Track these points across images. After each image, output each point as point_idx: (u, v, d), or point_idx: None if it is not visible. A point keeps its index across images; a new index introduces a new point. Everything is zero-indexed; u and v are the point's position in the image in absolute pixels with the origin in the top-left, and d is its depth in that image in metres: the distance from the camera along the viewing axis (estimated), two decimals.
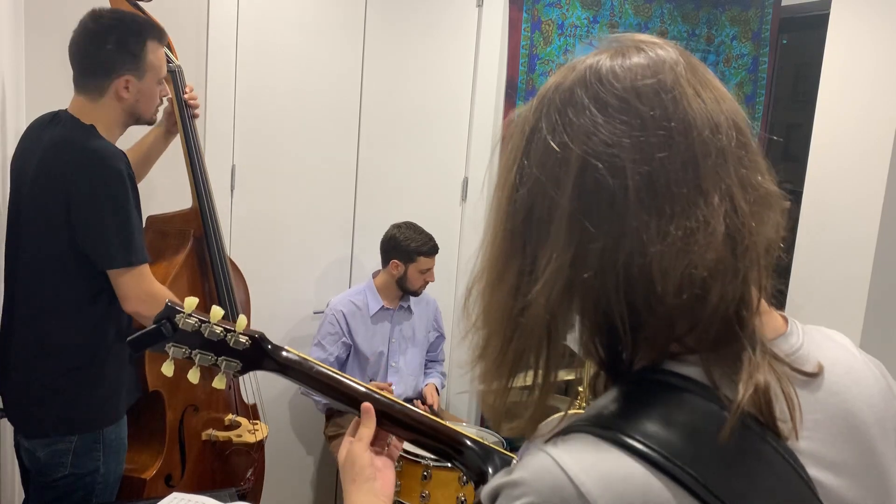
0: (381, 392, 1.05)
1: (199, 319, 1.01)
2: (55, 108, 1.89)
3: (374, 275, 2.99)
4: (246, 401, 2.41)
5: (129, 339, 1.03)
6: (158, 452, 2.08)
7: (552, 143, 0.61)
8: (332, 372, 1.05)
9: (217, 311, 1.02)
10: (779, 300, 0.68)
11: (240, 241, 2.87)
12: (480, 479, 1.00)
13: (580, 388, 2.04)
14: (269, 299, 2.73)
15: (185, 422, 2.13)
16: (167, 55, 1.99)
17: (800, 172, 3.00)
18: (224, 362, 1.02)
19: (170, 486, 2.08)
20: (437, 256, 2.90)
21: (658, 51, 0.64)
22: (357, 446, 0.97)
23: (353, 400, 1.03)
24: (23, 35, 2.41)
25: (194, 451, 2.17)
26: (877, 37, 2.68)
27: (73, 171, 1.73)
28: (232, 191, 2.86)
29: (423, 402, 2.91)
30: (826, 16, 2.86)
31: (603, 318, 0.61)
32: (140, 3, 2.17)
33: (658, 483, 0.55)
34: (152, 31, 1.88)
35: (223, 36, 2.74)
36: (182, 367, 1.04)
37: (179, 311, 1.01)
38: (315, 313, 3.04)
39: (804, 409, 0.62)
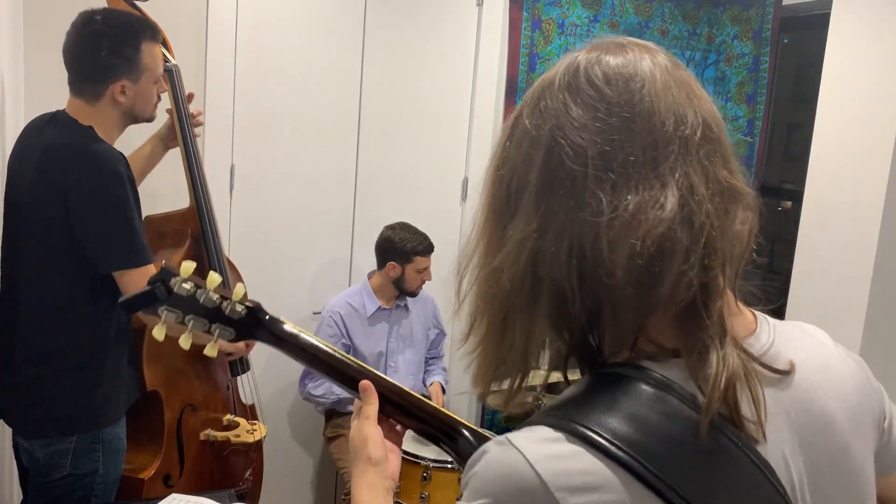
0: (375, 373, 1.03)
1: (195, 285, 0.99)
2: (54, 108, 1.89)
3: (370, 276, 2.98)
4: (244, 401, 2.40)
5: (120, 300, 1.00)
6: (157, 452, 2.07)
7: (528, 126, 0.65)
8: (330, 349, 1.03)
9: (214, 278, 1.00)
10: (779, 300, 0.67)
11: (239, 242, 2.87)
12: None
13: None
14: (268, 299, 2.68)
15: (184, 422, 2.12)
16: (164, 54, 1.98)
17: (800, 172, 2.99)
18: (218, 330, 1.00)
19: (168, 486, 2.07)
20: (437, 256, 2.90)
21: (637, 49, 0.67)
22: (365, 424, 0.95)
23: (348, 378, 1.01)
24: (22, 35, 2.41)
25: (192, 451, 2.16)
26: (878, 36, 2.68)
27: (71, 173, 1.72)
28: (231, 191, 2.86)
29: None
30: (827, 15, 2.85)
31: (558, 294, 0.63)
32: (137, 3, 2.17)
33: (617, 478, 0.56)
34: (146, 32, 1.86)
35: (222, 36, 2.74)
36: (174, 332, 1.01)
37: (175, 275, 0.99)
38: (314, 313, 3.03)
39: (774, 408, 0.63)
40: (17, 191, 1.82)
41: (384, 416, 1.00)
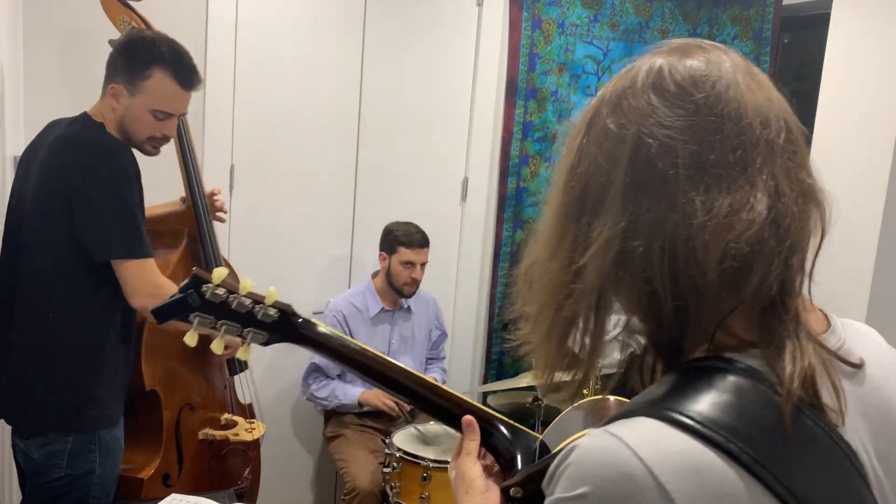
0: (411, 371, 1.02)
1: (228, 290, 0.99)
2: (55, 108, 1.90)
3: (374, 276, 2.98)
4: (242, 400, 2.40)
5: (153, 308, 1.00)
6: (155, 452, 2.07)
7: (610, 125, 0.66)
8: (362, 348, 1.03)
9: (247, 283, 1.00)
10: None
11: (239, 241, 2.87)
12: (510, 464, 0.96)
13: (585, 391, 2.02)
14: None
15: (182, 421, 2.12)
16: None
17: None
18: (250, 334, 1.00)
19: (167, 485, 2.07)
20: (437, 256, 2.89)
21: (716, 51, 0.68)
22: (465, 460, 0.96)
23: (382, 377, 1.01)
24: (21, 35, 2.41)
25: (191, 450, 2.16)
26: (878, 36, 2.67)
27: (74, 161, 1.73)
28: (231, 191, 2.85)
29: None
30: (827, 15, 2.85)
31: (648, 293, 0.64)
32: (131, 3, 2.17)
33: (733, 473, 0.57)
34: (170, 64, 1.81)
35: (222, 35, 2.74)
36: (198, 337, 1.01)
37: (207, 282, 0.99)
38: (314, 314, 3.03)
39: (851, 401, 0.65)
40: (24, 186, 1.82)
41: (414, 406, 1.02)
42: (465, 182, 3.29)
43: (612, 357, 2.74)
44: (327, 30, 2.95)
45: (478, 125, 3.25)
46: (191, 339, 1.00)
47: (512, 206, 3.39)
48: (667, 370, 0.69)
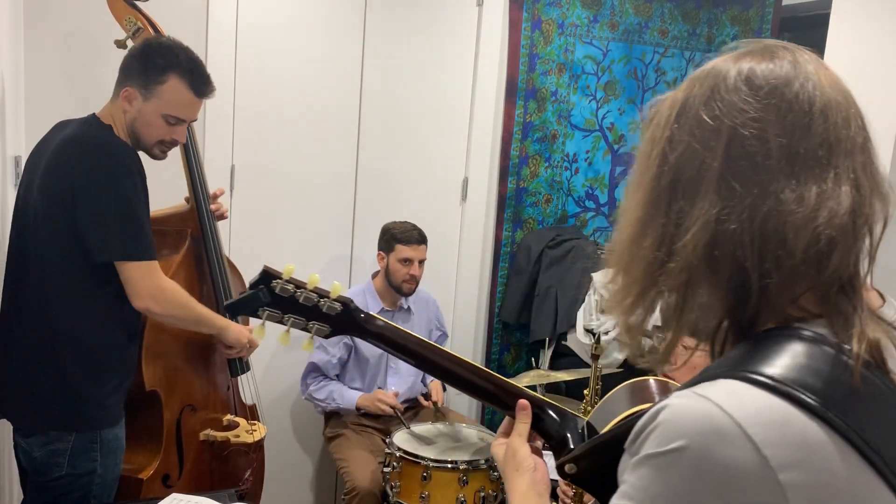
0: (468, 361, 1.08)
1: (296, 285, 1.05)
2: (55, 108, 1.90)
3: (374, 276, 2.98)
4: (244, 401, 2.40)
5: (226, 303, 1.11)
6: (156, 452, 2.07)
7: (705, 116, 0.72)
8: (418, 339, 1.08)
9: (314, 278, 1.07)
10: None
11: (239, 241, 2.87)
12: (561, 445, 1.03)
13: (585, 391, 2.02)
14: None
15: (183, 422, 2.12)
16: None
17: None
18: (314, 326, 1.06)
19: (167, 486, 2.07)
20: (437, 255, 2.89)
21: (800, 52, 0.76)
22: (516, 440, 1.03)
23: (440, 369, 1.07)
24: (22, 35, 2.41)
25: (192, 451, 2.16)
26: (878, 36, 2.67)
27: (79, 162, 1.73)
28: (231, 191, 2.86)
29: (427, 399, 2.91)
30: (826, 15, 2.85)
31: (736, 271, 0.70)
32: (138, 3, 2.17)
33: (813, 424, 0.62)
34: (186, 72, 1.83)
35: (223, 36, 2.74)
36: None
37: (277, 277, 1.04)
38: None
39: None
40: (30, 185, 1.83)
41: (463, 391, 1.09)
42: (465, 182, 3.30)
43: (613, 357, 2.75)
44: (328, 30, 2.96)
45: (478, 125, 3.25)
46: (259, 333, 1.08)
47: (512, 206, 3.39)
48: (736, 342, 0.74)
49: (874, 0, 2.69)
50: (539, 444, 1.07)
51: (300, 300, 1.05)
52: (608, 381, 2.27)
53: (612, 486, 0.72)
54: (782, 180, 0.68)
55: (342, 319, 1.07)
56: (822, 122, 0.70)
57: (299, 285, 1.05)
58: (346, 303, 1.07)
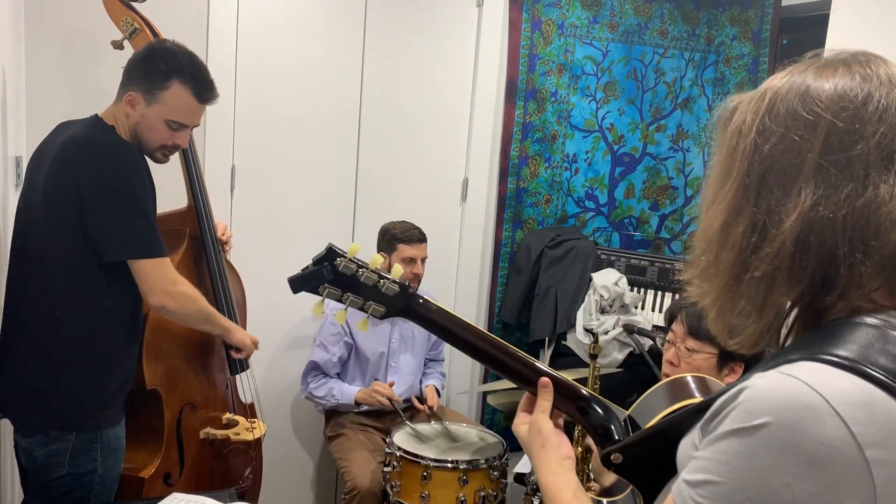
0: (525, 356, 1.10)
1: (359, 264, 1.07)
2: (56, 109, 1.91)
3: None
4: (243, 399, 2.41)
5: (289, 277, 1.08)
6: (156, 451, 2.07)
7: (801, 111, 0.75)
8: (471, 327, 1.11)
9: (377, 258, 1.09)
10: None
11: (240, 242, 2.87)
12: (605, 434, 1.05)
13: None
14: (269, 300, 2.73)
15: (183, 420, 2.13)
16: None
17: None
18: (371, 306, 1.08)
19: (168, 484, 2.08)
20: (437, 255, 2.89)
21: (881, 59, 0.79)
22: (540, 417, 1.06)
23: (491, 358, 1.10)
24: (23, 36, 2.42)
25: (192, 449, 2.17)
26: (877, 37, 2.68)
27: (84, 164, 1.74)
28: (232, 191, 2.86)
29: (423, 403, 2.91)
30: (826, 16, 2.85)
31: (826, 258, 0.72)
32: (133, 4, 2.17)
33: (883, 394, 0.64)
34: (190, 77, 1.84)
35: (223, 36, 2.75)
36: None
37: (341, 255, 1.06)
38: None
39: None
40: (33, 186, 1.83)
41: (509, 378, 1.11)
42: (465, 182, 3.30)
43: (612, 357, 2.76)
44: (328, 31, 2.96)
45: (478, 125, 3.26)
46: (317, 310, 1.10)
47: (512, 206, 3.40)
48: (804, 330, 0.77)
49: (874, 0, 2.69)
50: (560, 422, 1.10)
51: (361, 279, 1.07)
52: (607, 381, 2.28)
53: (656, 477, 0.75)
54: (877, 175, 0.71)
55: (399, 300, 1.09)
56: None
57: (361, 265, 1.07)
58: (403, 285, 1.09)
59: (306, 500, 3.27)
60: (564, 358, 3.15)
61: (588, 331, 3.04)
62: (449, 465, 2.33)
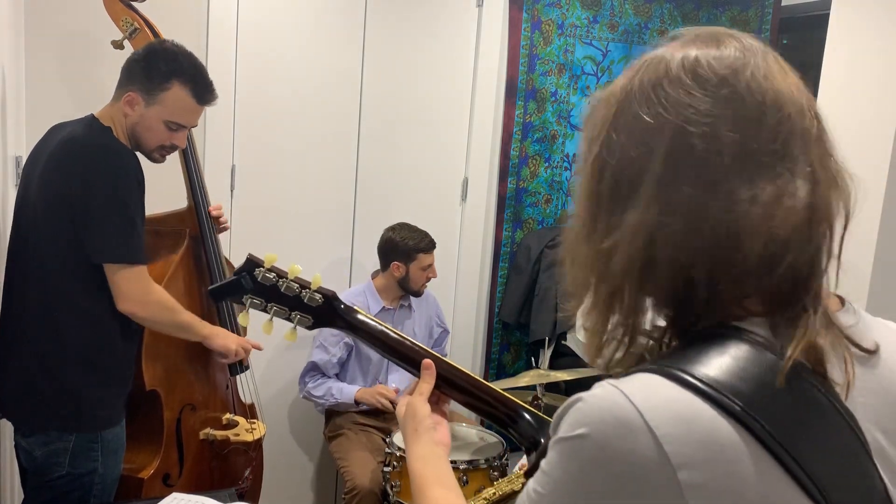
0: (441, 357, 1.10)
1: (277, 274, 1.06)
2: (56, 109, 1.90)
3: (374, 276, 2.98)
4: (243, 400, 2.41)
5: (210, 287, 1.10)
6: (156, 452, 2.07)
7: (644, 116, 0.67)
8: (397, 335, 1.11)
9: (295, 268, 1.08)
10: None
11: (240, 242, 2.87)
12: (533, 446, 1.05)
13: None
14: None
15: (183, 421, 2.13)
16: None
17: None
18: (297, 317, 1.08)
19: (168, 485, 2.07)
20: (437, 255, 2.90)
21: (746, 40, 0.69)
22: (417, 399, 1.04)
23: (414, 361, 1.09)
24: (23, 36, 2.41)
25: (192, 450, 2.16)
26: (877, 37, 2.68)
27: (78, 163, 1.74)
28: (232, 191, 2.86)
29: None
30: (826, 16, 2.86)
31: (679, 274, 0.66)
32: (134, 4, 2.17)
33: (726, 425, 0.59)
34: (189, 79, 1.84)
35: (223, 36, 2.74)
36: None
37: (259, 265, 1.06)
38: None
39: (860, 378, 0.67)
40: (28, 187, 1.83)
41: (453, 399, 1.09)
42: (465, 182, 3.30)
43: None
44: (328, 30, 2.96)
45: (478, 125, 3.26)
46: (244, 320, 1.09)
47: (512, 206, 3.40)
48: (676, 339, 0.72)
49: (874, 0, 2.69)
50: (446, 408, 1.11)
51: (282, 289, 1.06)
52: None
53: None
54: (735, 178, 0.63)
55: (324, 311, 1.08)
56: (775, 114, 0.65)
57: (281, 275, 1.07)
58: (326, 295, 1.08)
59: (306, 500, 3.26)
60: (564, 358, 3.15)
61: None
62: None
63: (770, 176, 0.64)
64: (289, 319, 1.08)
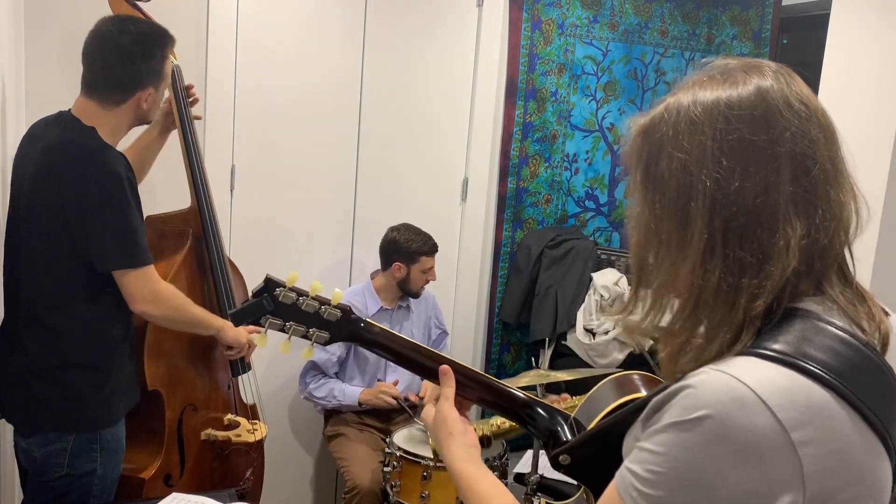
0: (455, 361, 1.13)
1: (298, 293, 1.07)
2: (55, 108, 1.89)
3: (373, 276, 2.98)
4: (245, 401, 2.41)
5: (231, 311, 1.14)
6: (157, 452, 2.07)
7: (757, 141, 0.76)
8: (411, 344, 1.14)
9: (316, 285, 1.09)
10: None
11: (239, 242, 2.87)
12: (551, 438, 1.07)
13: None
14: None
15: (185, 421, 2.13)
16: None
17: None
18: (315, 333, 1.09)
19: (169, 485, 2.07)
20: (437, 256, 2.90)
21: (791, 73, 0.84)
22: (444, 405, 1.09)
23: (430, 369, 1.12)
24: (23, 35, 2.41)
25: (193, 450, 2.16)
26: (877, 37, 2.68)
27: (69, 172, 1.73)
28: (232, 191, 2.86)
29: (422, 400, 2.91)
30: (826, 16, 2.86)
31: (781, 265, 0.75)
32: (139, 4, 2.17)
33: (816, 388, 0.70)
34: (169, 42, 1.92)
35: (223, 36, 2.74)
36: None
37: (280, 286, 1.07)
38: None
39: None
40: (19, 191, 1.83)
41: (469, 399, 1.13)
42: (465, 182, 3.30)
43: (612, 357, 2.76)
44: (328, 30, 2.96)
45: (478, 125, 3.26)
46: (261, 342, 1.08)
47: (512, 206, 3.40)
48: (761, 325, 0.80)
49: (874, 0, 2.69)
50: (468, 413, 1.13)
51: (302, 307, 1.07)
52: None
53: (605, 475, 0.78)
54: (830, 190, 0.76)
55: (341, 326, 1.10)
56: (833, 136, 0.79)
57: (301, 293, 1.07)
58: (345, 310, 1.09)
59: (306, 500, 3.27)
60: (564, 358, 3.15)
61: (588, 331, 3.04)
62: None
63: (843, 188, 0.78)
64: (306, 337, 1.09)
